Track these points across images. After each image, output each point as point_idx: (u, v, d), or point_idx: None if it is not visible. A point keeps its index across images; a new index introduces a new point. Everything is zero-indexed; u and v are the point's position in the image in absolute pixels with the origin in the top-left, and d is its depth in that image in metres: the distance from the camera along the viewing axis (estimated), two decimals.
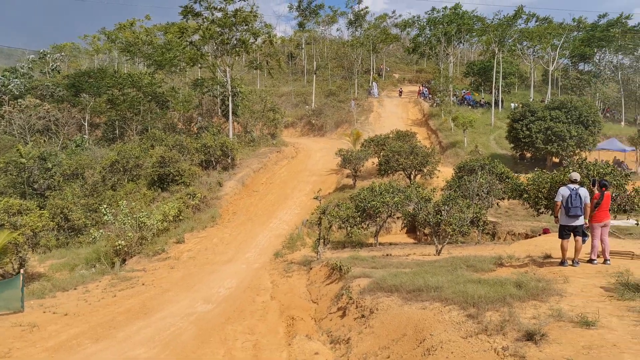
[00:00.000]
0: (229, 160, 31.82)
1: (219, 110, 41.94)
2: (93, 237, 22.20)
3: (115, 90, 40.26)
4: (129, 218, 20.32)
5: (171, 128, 40.26)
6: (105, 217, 21.26)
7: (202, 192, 25.98)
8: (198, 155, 30.64)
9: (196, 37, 37.82)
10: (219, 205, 26.29)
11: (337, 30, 75.08)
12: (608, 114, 50.57)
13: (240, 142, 35.72)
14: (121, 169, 29.14)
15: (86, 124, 44.00)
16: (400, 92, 56.53)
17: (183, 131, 39.97)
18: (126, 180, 28.99)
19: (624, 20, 53.54)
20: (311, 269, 15.65)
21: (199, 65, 41.58)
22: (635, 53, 55.20)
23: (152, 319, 11.46)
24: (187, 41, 37.58)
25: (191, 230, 22.52)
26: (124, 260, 19.41)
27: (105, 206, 22.33)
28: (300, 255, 18.31)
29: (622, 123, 48.02)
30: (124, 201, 22.08)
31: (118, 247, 19.48)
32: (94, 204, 26.47)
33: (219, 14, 35.34)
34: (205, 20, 35.51)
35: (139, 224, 20.45)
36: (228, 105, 36.86)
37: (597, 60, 59.55)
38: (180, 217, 23.38)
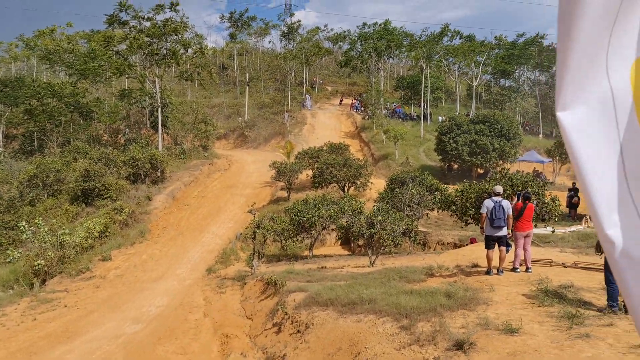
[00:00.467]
0: (159, 174, 30.86)
1: (148, 121, 40.67)
2: (11, 257, 20.73)
3: (34, 101, 38.04)
4: (49, 236, 19.17)
5: (96, 140, 38.57)
6: (24, 235, 19.93)
7: (130, 207, 24.99)
8: (126, 168, 29.48)
9: (123, 46, 36.51)
10: (148, 220, 25.39)
11: (270, 42, 75.32)
12: (527, 127, 53.68)
13: (170, 155, 34.74)
14: (40, 183, 27.49)
15: (1, 135, 41.31)
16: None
17: (109, 143, 38.38)
18: (46, 196, 27.37)
19: (539, 40, 57.40)
20: (245, 284, 15.40)
21: (127, 75, 40.16)
22: (551, 70, 59.16)
23: (75, 343, 10.82)
24: (112, 50, 36.17)
25: (118, 247, 21.58)
26: (44, 281, 18.24)
27: (24, 223, 20.95)
28: (234, 270, 17.98)
29: (540, 136, 51.17)
30: (40, 218, 20.80)
31: (37, 267, 18.29)
32: (10, 221, 24.78)
33: (148, 24, 34.34)
34: (132, 29, 34.37)
35: (60, 242, 19.33)
36: (157, 116, 35.82)
37: (516, 77, 63.27)
38: (107, 234, 22.35)
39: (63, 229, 19.96)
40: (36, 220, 20.35)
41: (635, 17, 1.28)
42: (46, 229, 19.40)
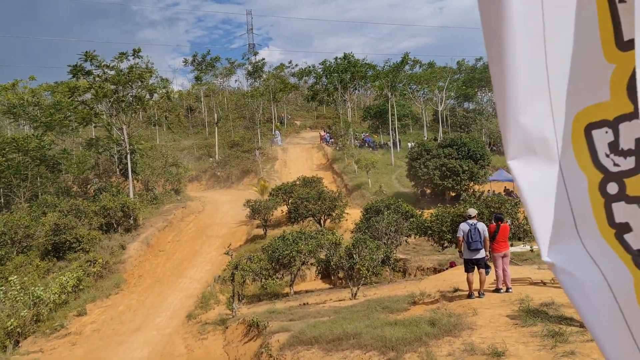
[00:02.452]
0: (132, 221, 30.28)
1: (117, 169, 40.11)
2: None
3: None
4: (22, 294, 18.48)
5: (65, 192, 37.73)
6: None
7: (103, 258, 24.37)
8: (97, 218, 28.84)
9: (88, 95, 36.23)
10: (124, 270, 24.77)
11: (237, 81, 76.00)
12: (494, 147, 54.84)
13: (142, 201, 34.22)
14: (9, 240, 26.62)
15: None
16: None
17: (79, 194, 37.59)
18: (15, 253, 26.49)
19: None
20: (227, 327, 15.07)
21: (93, 124, 39.76)
22: None
23: None
24: (78, 101, 35.84)
25: (94, 300, 20.92)
26: (17, 342, 17.50)
27: None
28: (214, 314, 17.60)
29: None
30: (15, 277, 20.10)
31: (9, 328, 17.55)
32: None
33: (112, 72, 34.25)
34: (97, 78, 34.20)
35: (33, 300, 18.64)
36: (127, 163, 35.39)
37: (479, 99, 65.04)
38: (81, 287, 21.67)
39: (37, 285, 19.30)
40: (10, 278, 19.64)
41: (566, 68, 1.35)
42: (18, 287, 18.73)
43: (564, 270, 1.35)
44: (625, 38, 1.22)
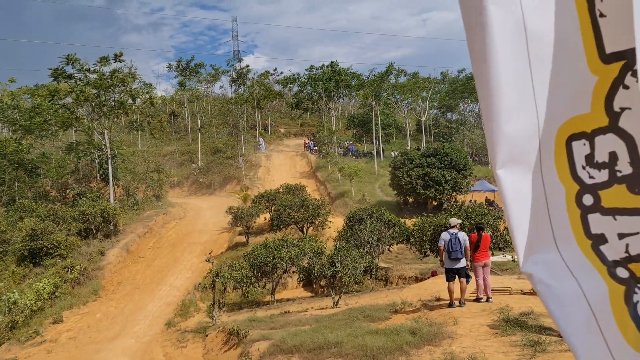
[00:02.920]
0: (111, 227, 29.86)
1: (98, 174, 39.60)
2: None
3: None
4: None
5: (43, 197, 37.08)
6: None
7: (81, 264, 23.94)
8: (76, 224, 28.37)
9: (69, 99, 35.74)
10: (102, 276, 24.37)
11: (221, 87, 75.75)
12: (476, 158, 55.44)
13: (122, 207, 33.78)
14: None
15: None
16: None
17: (57, 199, 36.97)
18: None
19: None
20: (207, 335, 14.90)
21: (74, 128, 39.21)
22: None
23: None
24: (58, 104, 35.32)
25: (70, 307, 20.51)
26: None
27: None
28: (194, 322, 17.39)
29: (489, 165, 52.82)
30: None
31: None
32: None
33: (94, 76, 33.86)
34: (78, 82, 33.78)
35: (8, 306, 18.23)
36: (107, 168, 34.94)
37: (461, 110, 65.74)
38: (57, 294, 21.26)
39: (12, 291, 18.87)
40: None
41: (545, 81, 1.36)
42: None
43: (542, 280, 1.36)
44: (607, 51, 1.24)
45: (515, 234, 1.40)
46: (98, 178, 39.50)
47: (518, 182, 1.39)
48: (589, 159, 1.31)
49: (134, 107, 39.36)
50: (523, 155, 1.39)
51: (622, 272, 1.27)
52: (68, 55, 32.46)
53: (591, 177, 1.31)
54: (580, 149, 1.31)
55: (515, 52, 1.36)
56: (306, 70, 61.68)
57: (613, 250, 1.27)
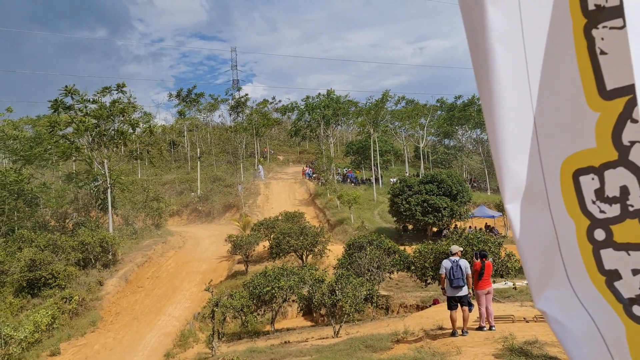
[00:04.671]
0: (110, 256, 29.68)
1: (97, 203, 39.55)
2: None
3: None
4: None
5: (43, 227, 36.94)
6: None
7: (80, 294, 23.71)
8: (75, 253, 28.17)
9: (69, 129, 35.97)
10: (100, 307, 24.12)
11: (220, 116, 76.23)
12: (475, 184, 55.52)
13: (121, 236, 33.63)
14: None
15: None
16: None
17: (57, 229, 36.84)
18: None
19: (477, 101, 60.70)
20: None
21: (74, 158, 39.35)
22: None
23: None
24: (58, 135, 35.54)
25: (68, 338, 20.26)
26: None
27: None
28: (193, 353, 17.14)
29: (488, 191, 52.90)
30: None
31: None
32: None
33: (94, 106, 34.14)
34: (78, 112, 34.05)
35: (4, 339, 17.97)
36: (106, 198, 34.92)
37: (459, 137, 66.13)
38: (55, 325, 21.00)
39: (7, 324, 18.63)
40: None
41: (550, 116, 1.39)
42: None
43: (556, 319, 1.35)
44: (608, 87, 1.25)
45: (527, 268, 1.40)
46: (97, 207, 39.43)
47: (527, 217, 1.40)
48: (599, 194, 1.30)
49: (133, 136, 39.56)
50: (529, 191, 1.40)
51: (638, 311, 1.24)
52: (67, 86, 32.83)
53: (602, 211, 1.29)
54: (589, 183, 1.31)
55: (516, 85, 1.39)
56: (302, 100, 62.25)
57: (628, 287, 1.25)
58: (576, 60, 1.32)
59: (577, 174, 1.34)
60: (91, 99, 33.89)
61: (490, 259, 12.18)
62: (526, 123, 1.40)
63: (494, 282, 14.35)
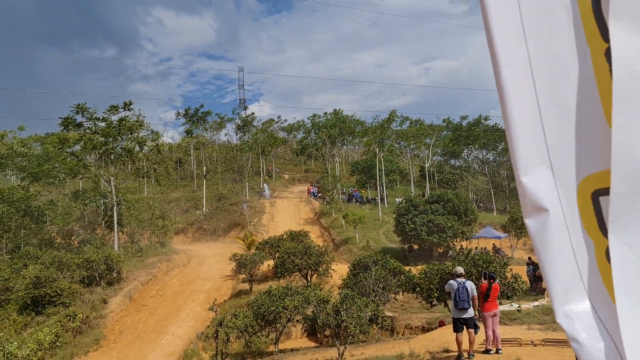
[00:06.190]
0: (115, 274, 29.66)
1: (103, 221, 39.69)
2: None
3: None
4: None
5: (48, 244, 37.05)
6: None
7: (84, 312, 23.66)
8: (79, 271, 28.20)
9: (77, 147, 36.30)
10: (104, 325, 24.02)
11: (226, 135, 76.53)
12: (481, 204, 55.30)
13: (126, 254, 33.63)
14: None
15: None
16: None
17: (62, 246, 36.93)
18: None
19: (483, 122, 60.86)
20: None
21: (81, 175, 39.64)
22: (497, 149, 62.25)
23: None
24: (67, 152, 35.85)
25: (71, 357, 20.15)
26: None
27: None
28: None
29: (494, 212, 52.67)
30: None
31: None
32: None
33: (103, 124, 34.51)
34: (87, 130, 34.40)
35: (7, 357, 17.89)
36: (112, 215, 35.04)
37: (465, 157, 66.11)
38: (58, 344, 20.90)
39: (11, 342, 18.57)
40: None
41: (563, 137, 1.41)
42: None
43: (576, 339, 1.35)
44: None
45: (548, 281, 1.41)
46: (103, 225, 39.56)
47: (544, 233, 1.41)
48: None
49: (140, 154, 39.83)
50: (545, 207, 1.41)
51: None
52: (78, 104, 33.23)
53: None
54: (609, 204, 1.30)
55: (526, 106, 1.42)
56: (309, 118, 62.63)
57: None
58: (595, 82, 1.34)
59: (597, 194, 1.35)
60: (100, 117, 34.24)
61: (497, 281, 12.09)
62: (537, 143, 1.42)
63: (500, 303, 14.23)
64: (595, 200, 1.35)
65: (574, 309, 1.37)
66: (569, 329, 1.36)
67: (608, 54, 1.30)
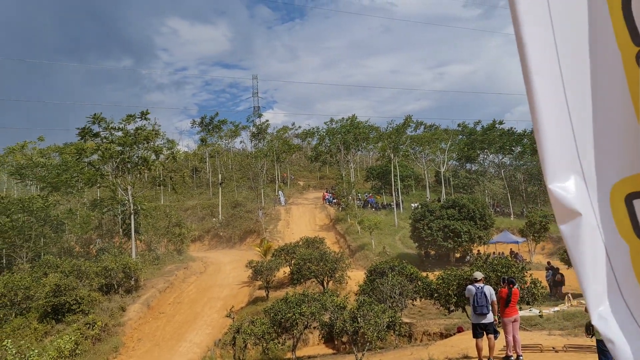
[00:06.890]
0: (133, 282, 29.91)
1: (121, 229, 40.09)
2: None
3: (3, 217, 37.24)
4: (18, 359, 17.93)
5: (67, 252, 37.53)
6: None
7: (102, 320, 23.88)
8: (98, 279, 28.49)
9: (95, 156, 36.80)
10: (122, 333, 24.22)
11: (241, 142, 77.05)
12: (498, 209, 54.74)
13: (144, 262, 33.90)
14: (8, 302, 26.21)
15: None
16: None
17: (81, 254, 37.38)
18: (14, 315, 26.02)
19: (497, 126, 60.36)
20: None
21: (98, 184, 40.15)
22: (513, 153, 61.65)
23: None
24: (84, 162, 36.37)
25: None
26: None
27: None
28: None
29: (512, 216, 52.08)
30: (9, 340, 19.57)
31: None
32: None
33: (119, 133, 34.95)
34: (104, 140, 34.87)
35: None
36: (130, 224, 35.39)
37: (481, 161, 65.57)
38: (78, 351, 21.08)
39: (32, 350, 18.75)
40: (5, 342, 19.11)
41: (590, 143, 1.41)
42: (13, 351, 18.20)
43: (612, 341, 1.36)
44: None
45: (582, 284, 1.42)
46: (121, 233, 39.96)
47: (577, 237, 1.42)
48: None
49: (156, 162, 40.23)
50: (577, 212, 1.42)
51: None
52: (95, 114, 33.71)
53: None
54: None
55: (556, 112, 1.43)
56: (325, 123, 62.71)
57: None
58: (627, 86, 1.34)
59: (630, 197, 1.35)
60: (117, 127, 34.69)
61: (517, 286, 11.94)
62: (568, 149, 1.43)
63: (520, 309, 14.06)
64: (629, 203, 1.35)
65: (609, 311, 1.38)
66: (604, 330, 1.36)
67: (639, 58, 1.29)
